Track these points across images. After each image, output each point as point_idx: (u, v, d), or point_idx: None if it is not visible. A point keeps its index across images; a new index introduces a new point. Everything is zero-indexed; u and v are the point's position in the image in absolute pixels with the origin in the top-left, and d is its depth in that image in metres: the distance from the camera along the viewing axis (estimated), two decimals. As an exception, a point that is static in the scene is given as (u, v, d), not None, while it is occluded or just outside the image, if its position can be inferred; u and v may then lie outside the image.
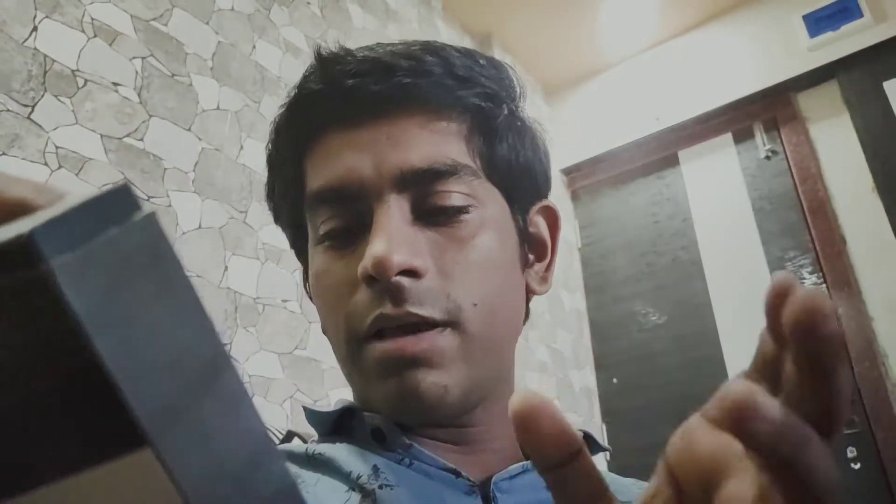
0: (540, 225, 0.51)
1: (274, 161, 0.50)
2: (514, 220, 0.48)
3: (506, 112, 0.47)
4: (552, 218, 0.52)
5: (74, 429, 0.13)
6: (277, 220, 0.52)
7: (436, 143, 0.43)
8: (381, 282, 0.39)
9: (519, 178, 0.48)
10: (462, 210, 0.43)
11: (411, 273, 0.40)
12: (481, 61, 0.47)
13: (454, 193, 0.43)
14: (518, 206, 0.48)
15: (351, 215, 0.43)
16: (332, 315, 0.44)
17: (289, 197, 0.49)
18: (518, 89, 0.50)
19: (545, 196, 0.52)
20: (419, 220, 0.43)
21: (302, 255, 0.51)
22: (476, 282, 0.42)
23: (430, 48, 0.45)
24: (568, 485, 0.21)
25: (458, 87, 0.44)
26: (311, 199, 0.45)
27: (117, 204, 0.14)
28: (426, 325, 0.40)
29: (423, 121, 0.44)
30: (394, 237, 0.40)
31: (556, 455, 0.20)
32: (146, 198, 1.22)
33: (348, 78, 0.43)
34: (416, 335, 0.40)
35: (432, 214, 0.43)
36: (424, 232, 0.42)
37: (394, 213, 0.41)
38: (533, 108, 2.77)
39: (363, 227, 0.42)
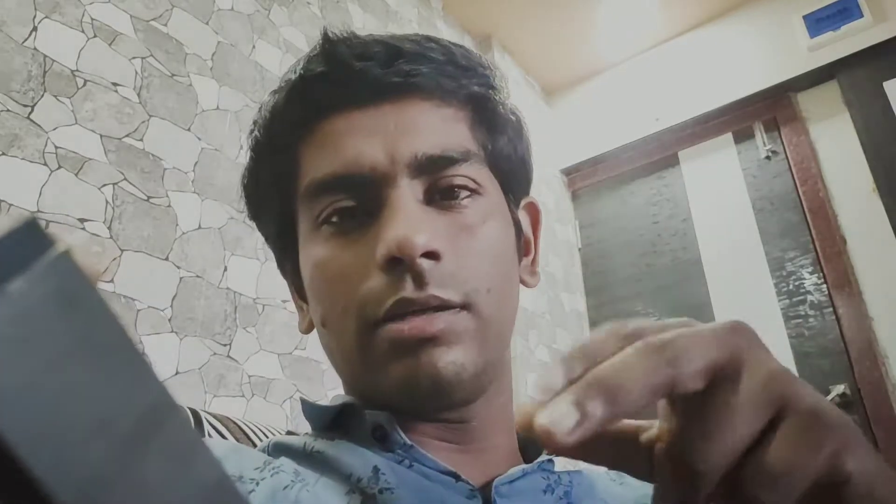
0: (524, 221, 0.52)
1: (263, 148, 0.48)
2: (511, 212, 0.48)
3: (504, 103, 0.48)
4: (534, 214, 0.53)
5: None
6: (257, 213, 0.51)
7: (446, 129, 0.44)
8: (402, 264, 0.38)
9: (516, 171, 0.49)
10: (470, 197, 0.43)
11: (432, 255, 0.39)
12: (474, 57, 0.48)
13: (464, 179, 0.43)
14: (513, 199, 0.49)
15: (359, 202, 0.42)
16: (339, 303, 0.42)
17: (280, 186, 0.47)
18: (505, 90, 0.50)
19: (528, 193, 0.53)
20: (430, 205, 0.42)
21: (286, 250, 0.49)
22: (487, 268, 0.42)
23: (430, 37, 0.46)
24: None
25: (460, 74, 0.45)
26: (314, 187, 0.43)
27: (18, 248, 0.12)
28: (444, 307, 0.40)
29: (429, 106, 0.44)
30: (413, 219, 0.39)
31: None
32: (146, 198, 1.22)
33: (356, 60, 0.43)
34: (432, 314, 0.39)
35: (443, 200, 0.43)
36: (437, 217, 0.42)
37: (409, 199, 0.41)
38: (533, 108, 2.77)
39: (371, 214, 0.41)
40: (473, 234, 0.42)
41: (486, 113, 0.47)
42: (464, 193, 0.43)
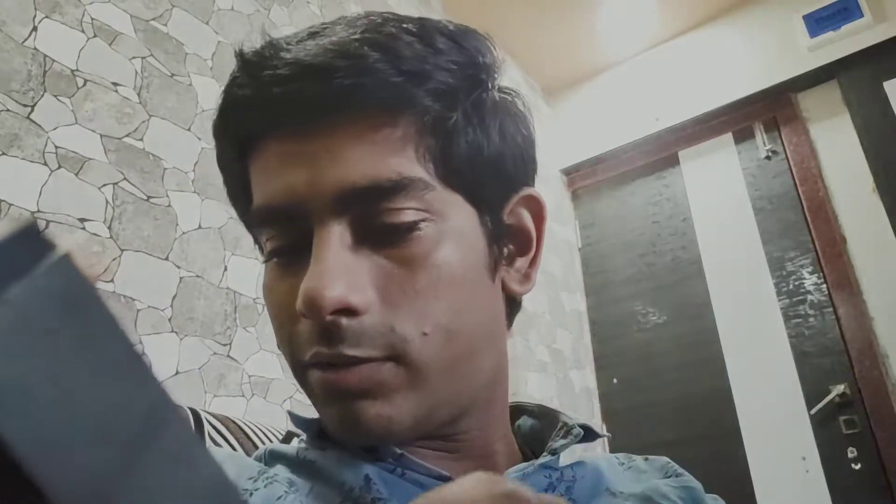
0: (522, 216, 0.46)
1: (221, 165, 0.46)
2: (483, 222, 0.43)
3: (464, 106, 0.42)
4: (536, 208, 0.47)
5: None
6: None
7: (379, 154, 0.38)
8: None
9: (485, 174, 0.43)
10: (413, 227, 0.38)
11: (348, 311, 0.37)
12: (440, 44, 0.41)
13: (403, 210, 0.38)
14: (487, 205, 0.43)
15: (293, 235, 0.40)
16: (278, 336, 0.42)
17: (239, 203, 0.45)
18: (489, 66, 0.44)
19: (527, 183, 0.47)
20: (364, 243, 0.38)
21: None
22: (428, 307, 0.38)
23: (375, 39, 0.39)
24: None
25: (406, 84, 0.39)
26: (253, 218, 0.42)
27: (17, 253, 0.12)
28: (365, 360, 0.37)
29: (364, 128, 0.39)
30: (329, 271, 0.36)
31: None
32: (146, 198, 1.22)
33: (277, 85, 0.38)
34: (354, 367, 0.37)
35: (379, 235, 0.38)
36: (370, 257, 0.38)
37: (331, 242, 0.37)
38: (533, 108, 2.77)
39: (307, 246, 0.38)
40: (414, 271, 0.38)
41: (438, 121, 0.40)
42: (404, 226, 0.38)
